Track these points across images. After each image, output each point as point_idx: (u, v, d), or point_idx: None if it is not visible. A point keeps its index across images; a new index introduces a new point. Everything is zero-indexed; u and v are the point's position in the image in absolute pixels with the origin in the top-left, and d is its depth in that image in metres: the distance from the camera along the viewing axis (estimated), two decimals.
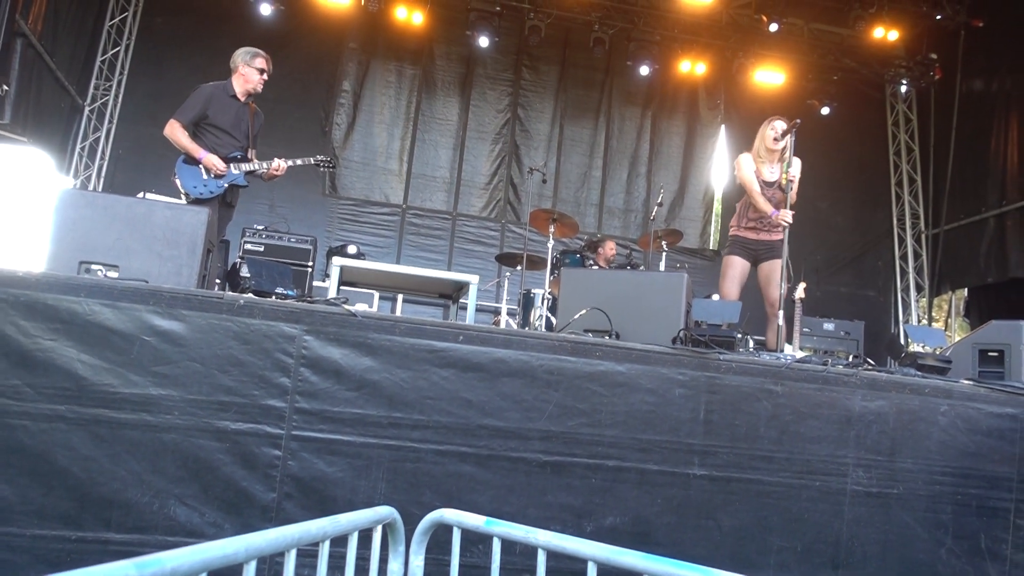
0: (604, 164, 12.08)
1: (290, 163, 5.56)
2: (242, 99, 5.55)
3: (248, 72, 5.51)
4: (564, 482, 3.50)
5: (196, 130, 5.34)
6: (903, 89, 12.24)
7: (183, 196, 5.32)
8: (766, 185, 5.72)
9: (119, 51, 10.60)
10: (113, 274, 3.61)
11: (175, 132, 5.24)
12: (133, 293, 3.27)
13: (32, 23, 8.17)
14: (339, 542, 1.95)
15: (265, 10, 10.36)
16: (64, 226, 3.70)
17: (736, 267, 5.79)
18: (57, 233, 3.68)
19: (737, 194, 5.93)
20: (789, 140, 5.45)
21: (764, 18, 10.92)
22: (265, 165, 5.49)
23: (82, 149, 10.24)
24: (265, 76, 5.57)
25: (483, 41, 10.96)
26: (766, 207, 5.62)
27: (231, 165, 5.37)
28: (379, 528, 2.14)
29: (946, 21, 10.78)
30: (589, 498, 3.51)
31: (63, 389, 3.12)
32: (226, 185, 5.38)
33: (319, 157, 5.79)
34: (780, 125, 5.70)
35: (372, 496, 3.31)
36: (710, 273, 11.08)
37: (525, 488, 3.47)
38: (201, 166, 5.28)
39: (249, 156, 5.56)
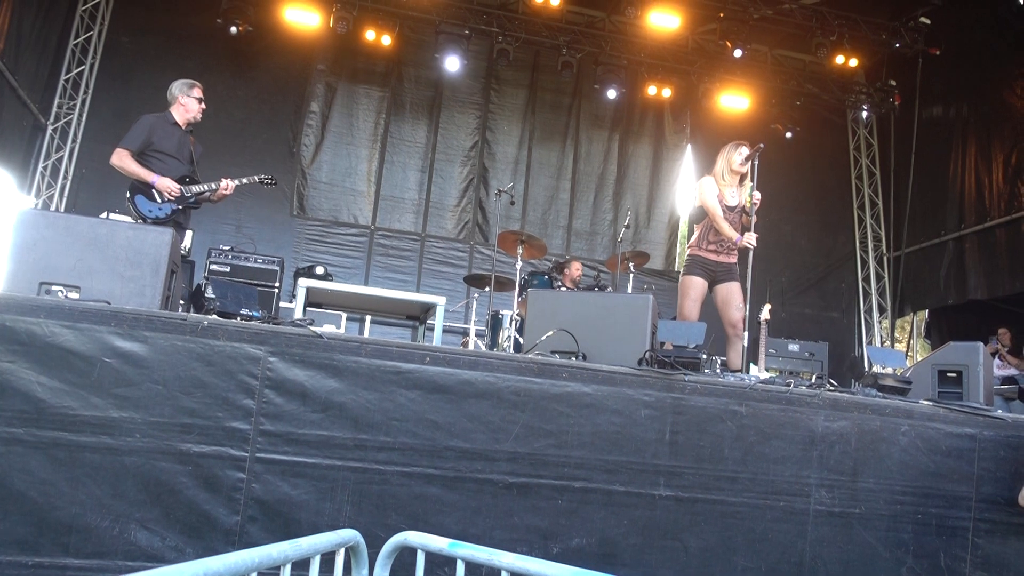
0: (572, 187, 12.17)
1: (236, 183, 5.70)
2: (183, 127, 5.68)
3: (188, 102, 5.66)
4: (531, 503, 3.49)
5: (142, 158, 5.43)
6: (864, 115, 12.52)
7: (140, 220, 5.38)
8: (728, 209, 5.80)
9: (83, 70, 10.49)
10: (74, 295, 3.55)
11: (123, 160, 5.34)
12: (94, 314, 3.23)
13: None
14: (301, 565, 1.93)
15: (233, 30, 10.33)
16: (24, 246, 3.63)
17: (698, 288, 5.84)
18: (17, 253, 3.62)
19: (698, 216, 5.99)
20: (752, 164, 5.55)
21: (728, 44, 11.12)
22: (213, 186, 5.60)
23: (44, 168, 10.10)
24: (203, 105, 5.75)
25: (452, 64, 11.02)
26: (731, 233, 5.69)
27: (182, 188, 5.49)
28: (342, 551, 2.12)
29: (904, 49, 11.05)
30: (556, 519, 3.51)
31: (21, 412, 3.06)
32: (180, 207, 5.50)
33: (262, 176, 5.97)
34: (746, 150, 5.81)
35: (337, 519, 3.28)
36: (676, 295, 11.16)
37: (492, 510, 3.46)
38: (154, 190, 5.39)
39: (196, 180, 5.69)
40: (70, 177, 10.37)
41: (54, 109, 10.17)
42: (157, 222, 5.35)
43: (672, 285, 11.88)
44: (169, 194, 5.38)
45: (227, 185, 5.61)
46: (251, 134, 10.80)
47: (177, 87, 5.68)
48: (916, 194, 11.47)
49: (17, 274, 3.59)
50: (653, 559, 3.56)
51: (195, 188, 5.53)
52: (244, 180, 5.79)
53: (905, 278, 12.03)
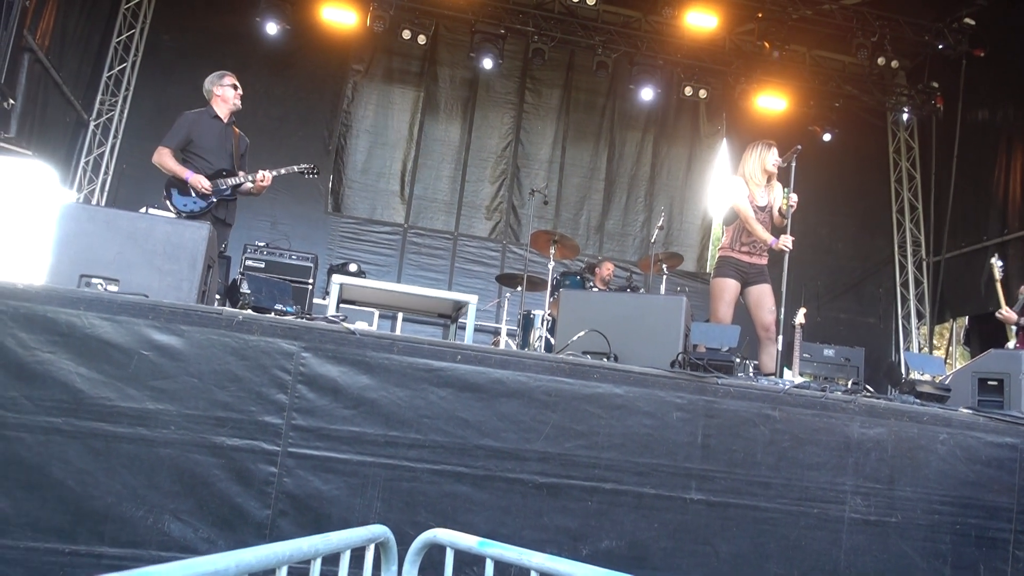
0: (605, 187, 12.12)
1: (274, 173, 5.71)
2: (225, 120, 5.74)
3: (224, 92, 5.72)
4: (560, 504, 3.48)
5: (184, 156, 5.56)
6: (905, 117, 12.29)
7: (176, 214, 5.50)
8: (759, 210, 5.72)
9: (125, 67, 10.68)
10: (113, 288, 3.61)
11: (162, 157, 5.48)
12: (133, 307, 3.27)
13: (39, 38, 8.24)
14: (331, 560, 1.94)
15: (271, 29, 10.44)
16: (66, 239, 3.70)
17: (731, 290, 5.75)
18: (58, 246, 3.69)
19: (731, 218, 5.91)
20: (791, 166, 5.46)
21: (766, 44, 11.00)
22: (251, 178, 5.64)
23: (86, 163, 10.29)
24: (240, 91, 5.78)
25: (487, 63, 11.03)
26: (764, 235, 5.60)
27: (217, 181, 5.55)
28: (372, 547, 2.12)
29: (948, 51, 10.84)
30: (586, 521, 3.49)
31: (60, 402, 3.11)
32: (214, 200, 5.55)
33: (303, 165, 5.94)
34: (776, 150, 5.73)
35: (367, 515, 3.29)
36: (708, 297, 11.06)
37: (521, 509, 3.45)
38: (188, 186, 5.48)
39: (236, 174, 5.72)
40: (111, 172, 10.56)
41: (96, 105, 10.36)
42: (192, 216, 5.43)
43: (705, 287, 11.78)
44: (202, 189, 5.45)
45: (263, 176, 5.63)
46: (287, 132, 10.90)
47: (209, 81, 5.75)
48: (957, 199, 11.24)
49: (59, 266, 3.65)
50: (684, 563, 3.52)
51: (230, 181, 5.57)
52: (283, 171, 5.77)
53: (945, 284, 11.79)
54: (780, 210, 5.74)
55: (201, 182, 5.45)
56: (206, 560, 1.46)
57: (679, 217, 12.25)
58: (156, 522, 3.12)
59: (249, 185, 5.65)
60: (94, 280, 3.63)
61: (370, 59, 11.61)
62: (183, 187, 5.48)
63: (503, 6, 11.20)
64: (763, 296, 5.70)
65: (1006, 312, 6.86)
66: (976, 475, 3.81)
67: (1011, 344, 6.98)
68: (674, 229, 12.12)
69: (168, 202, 5.51)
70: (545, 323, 7.33)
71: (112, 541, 3.07)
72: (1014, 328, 6.93)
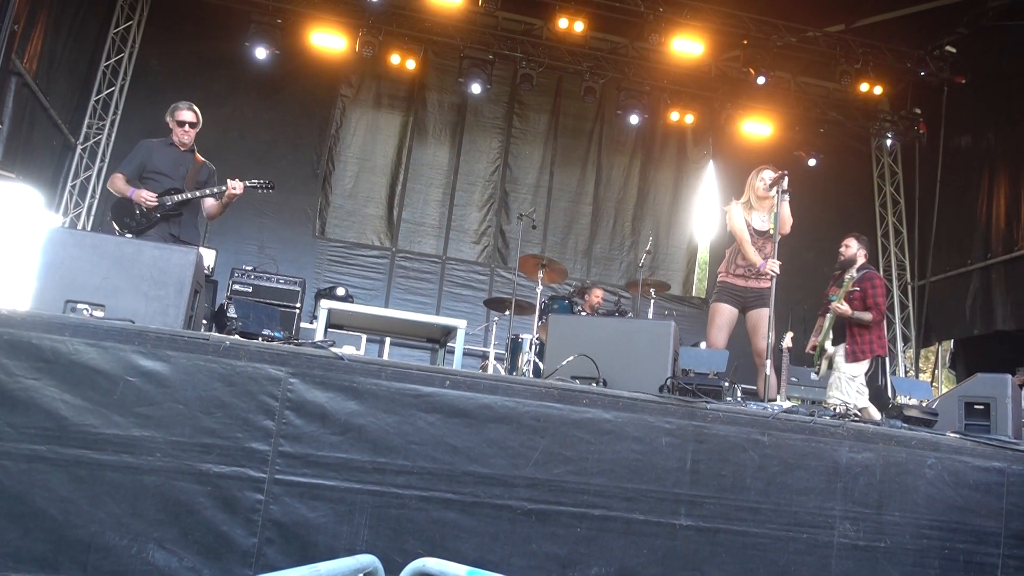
0: (592, 211, 12.17)
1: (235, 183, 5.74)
2: (182, 148, 5.80)
3: (172, 125, 5.79)
4: (549, 531, 3.46)
5: (141, 181, 5.62)
6: (888, 143, 12.43)
7: (120, 233, 5.52)
8: (757, 234, 5.75)
9: (113, 91, 10.67)
10: (99, 313, 3.58)
11: (114, 182, 5.61)
12: (118, 333, 3.25)
13: (27, 62, 8.23)
14: None
15: (261, 54, 10.46)
16: (51, 264, 3.67)
17: (724, 314, 5.77)
18: (44, 271, 3.66)
19: (727, 241, 5.94)
20: (777, 191, 5.48)
21: (752, 71, 11.11)
22: (223, 188, 5.64)
23: (73, 187, 10.25)
24: (187, 127, 5.76)
25: (475, 88, 11.08)
26: (755, 258, 5.63)
27: (163, 198, 5.59)
28: None
29: (930, 77, 10.99)
30: (574, 547, 3.47)
31: (44, 429, 3.08)
32: (158, 216, 5.58)
33: (256, 180, 5.87)
34: (768, 174, 5.76)
35: (355, 543, 3.26)
36: (696, 321, 11.10)
37: (510, 536, 3.42)
38: (133, 204, 5.54)
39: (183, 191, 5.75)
40: (98, 196, 10.51)
41: (83, 129, 10.34)
42: (136, 231, 5.49)
43: (691, 311, 11.84)
44: (146, 203, 5.51)
45: (235, 186, 5.61)
46: (276, 156, 10.92)
47: (168, 112, 5.83)
48: (942, 223, 11.35)
49: (44, 292, 3.62)
50: None
51: (176, 197, 5.61)
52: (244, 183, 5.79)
53: (930, 307, 11.87)
54: (768, 231, 5.77)
55: (143, 195, 5.50)
56: None
57: (665, 241, 12.31)
58: (140, 551, 3.08)
59: (210, 202, 5.68)
60: (79, 306, 3.60)
61: (359, 84, 11.67)
62: (129, 207, 5.56)
63: (491, 32, 11.28)
64: (759, 322, 5.70)
65: (843, 305, 6.55)
66: (964, 499, 3.82)
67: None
68: (660, 253, 12.16)
69: (113, 224, 5.59)
70: (533, 347, 7.32)
71: (96, 571, 3.03)
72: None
